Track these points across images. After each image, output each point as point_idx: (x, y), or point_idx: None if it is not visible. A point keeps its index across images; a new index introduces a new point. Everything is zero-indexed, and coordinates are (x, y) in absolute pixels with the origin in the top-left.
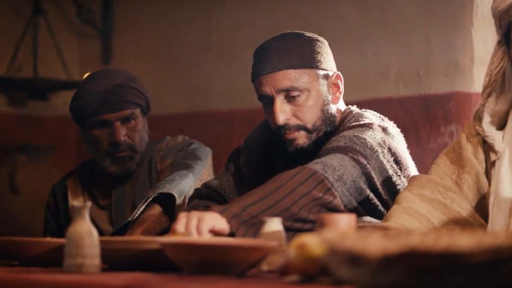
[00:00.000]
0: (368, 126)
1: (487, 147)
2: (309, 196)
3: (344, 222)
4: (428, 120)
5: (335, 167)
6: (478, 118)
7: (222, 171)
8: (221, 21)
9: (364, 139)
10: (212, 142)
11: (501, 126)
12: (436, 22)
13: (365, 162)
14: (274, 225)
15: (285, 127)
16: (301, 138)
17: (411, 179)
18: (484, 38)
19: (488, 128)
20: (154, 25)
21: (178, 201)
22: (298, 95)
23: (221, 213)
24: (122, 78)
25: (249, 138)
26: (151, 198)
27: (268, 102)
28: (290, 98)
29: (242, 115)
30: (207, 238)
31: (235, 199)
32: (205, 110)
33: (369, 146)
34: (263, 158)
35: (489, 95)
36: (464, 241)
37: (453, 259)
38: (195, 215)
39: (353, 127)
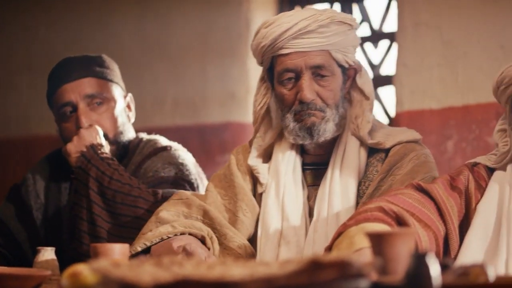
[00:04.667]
0: (171, 148)
1: (255, 178)
2: None
3: (118, 251)
4: (204, 149)
5: None
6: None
7: (3, 202)
8: None
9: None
10: None
11: (268, 158)
12: (213, 52)
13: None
14: (48, 254)
15: None
16: None
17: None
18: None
19: (253, 162)
20: None
21: None
22: (102, 103)
23: None
24: None
25: (30, 171)
26: None
27: (71, 110)
28: (94, 105)
29: (18, 144)
30: None
31: (17, 226)
32: None
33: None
34: (53, 184)
35: (257, 130)
36: (237, 270)
37: (226, 287)
38: None
39: (160, 149)
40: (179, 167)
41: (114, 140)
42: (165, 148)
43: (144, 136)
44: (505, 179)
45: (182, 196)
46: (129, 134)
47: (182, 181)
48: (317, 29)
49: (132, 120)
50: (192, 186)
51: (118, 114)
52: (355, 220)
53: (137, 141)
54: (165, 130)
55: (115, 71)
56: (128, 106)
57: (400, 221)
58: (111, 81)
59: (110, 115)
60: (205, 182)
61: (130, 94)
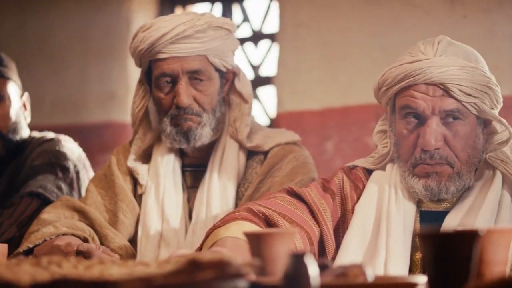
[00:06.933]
0: (54, 139)
1: (135, 179)
2: None
3: None
4: (84, 149)
5: None
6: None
7: None
8: None
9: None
10: None
11: (148, 159)
12: (93, 52)
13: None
14: None
15: None
16: None
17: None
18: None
19: (132, 163)
20: None
21: None
22: None
23: None
24: None
25: None
26: None
27: None
28: None
29: None
30: None
31: None
32: None
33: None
34: None
35: (135, 132)
36: (116, 270)
37: (105, 286)
38: None
39: (45, 141)
40: (54, 154)
41: (7, 138)
42: (50, 140)
43: (36, 134)
44: (384, 179)
45: (62, 198)
46: (23, 132)
47: (56, 165)
48: (194, 34)
49: (28, 119)
50: (66, 171)
51: (13, 112)
52: (223, 221)
53: (30, 139)
54: (43, 130)
55: (12, 69)
56: (24, 105)
57: (270, 222)
58: (8, 79)
59: (6, 113)
60: (91, 174)
61: (26, 93)
